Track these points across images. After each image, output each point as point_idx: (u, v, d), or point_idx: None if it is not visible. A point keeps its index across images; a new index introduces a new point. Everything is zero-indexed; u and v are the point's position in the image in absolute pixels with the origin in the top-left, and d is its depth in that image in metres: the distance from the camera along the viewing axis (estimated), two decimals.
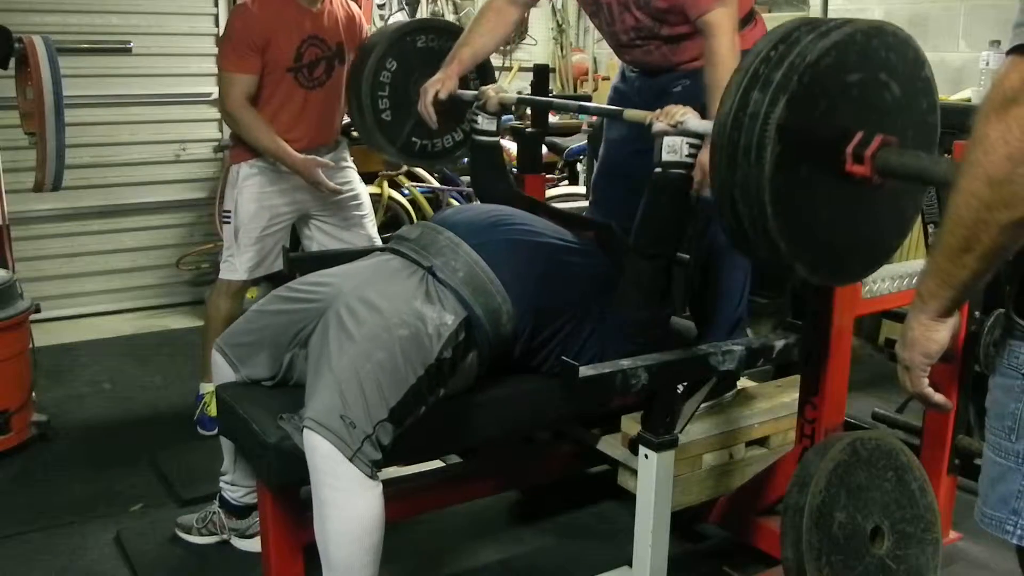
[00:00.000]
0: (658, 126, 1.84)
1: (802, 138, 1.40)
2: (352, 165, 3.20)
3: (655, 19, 2.23)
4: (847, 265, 1.63)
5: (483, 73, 2.73)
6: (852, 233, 1.55)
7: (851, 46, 1.45)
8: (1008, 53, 1.01)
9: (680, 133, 1.80)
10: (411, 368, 1.77)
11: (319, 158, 2.94)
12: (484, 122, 2.38)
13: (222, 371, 2.05)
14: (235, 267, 3.00)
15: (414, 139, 2.70)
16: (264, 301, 2.07)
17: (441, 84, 2.40)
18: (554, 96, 4.86)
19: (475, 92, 2.41)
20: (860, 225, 1.55)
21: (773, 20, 2.43)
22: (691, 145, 1.80)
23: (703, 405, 2.37)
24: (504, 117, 4.38)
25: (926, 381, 1.24)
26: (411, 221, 4.43)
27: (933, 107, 1.59)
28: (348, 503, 1.70)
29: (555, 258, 2.03)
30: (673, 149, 1.81)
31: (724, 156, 1.44)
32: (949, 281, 1.12)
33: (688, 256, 1.96)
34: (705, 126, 1.77)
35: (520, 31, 5.30)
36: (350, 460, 1.68)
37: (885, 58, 1.49)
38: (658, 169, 1.84)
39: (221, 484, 2.30)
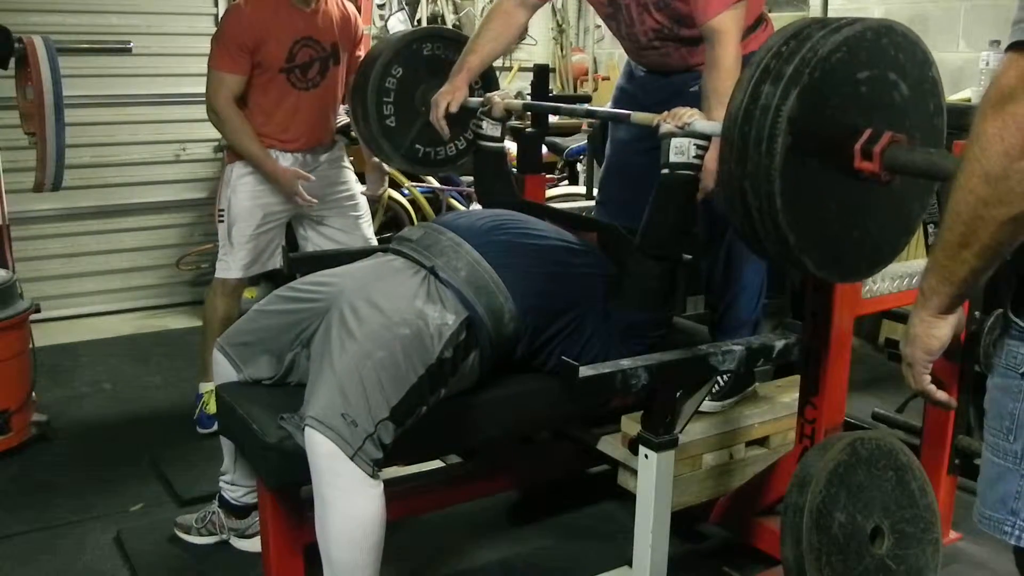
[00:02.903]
0: (665, 127, 1.85)
1: (812, 132, 1.41)
2: (349, 165, 3.20)
3: (675, 21, 2.23)
4: (853, 262, 1.64)
5: (487, 79, 2.73)
6: (859, 230, 1.56)
7: (862, 44, 1.45)
8: (1006, 50, 1.01)
9: (688, 134, 1.81)
10: (412, 367, 1.77)
11: (300, 171, 2.94)
12: (489, 128, 2.38)
13: (223, 370, 2.05)
14: (229, 266, 3.01)
15: (417, 146, 2.70)
16: (265, 301, 2.07)
17: (451, 96, 2.40)
18: (556, 97, 4.87)
19: (480, 99, 2.41)
20: (867, 223, 1.56)
21: (773, 20, 2.43)
22: (698, 147, 1.81)
23: (725, 403, 2.38)
24: None
25: (928, 378, 1.25)
26: (411, 221, 4.43)
27: (940, 109, 1.60)
28: (349, 502, 1.70)
29: (557, 259, 2.03)
30: (680, 150, 1.81)
31: (734, 149, 1.45)
32: (949, 278, 1.13)
33: (691, 256, 1.96)
34: (713, 127, 1.77)
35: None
36: (351, 459, 1.68)
37: (894, 57, 1.50)
38: (665, 170, 1.84)
39: (221, 484, 2.30)
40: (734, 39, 2.05)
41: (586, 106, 2.61)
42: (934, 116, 1.59)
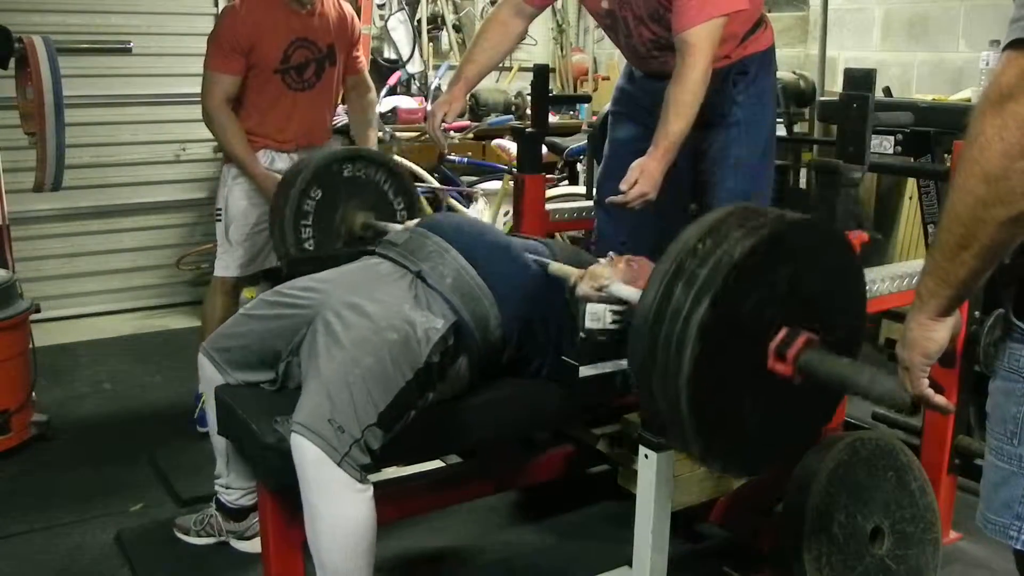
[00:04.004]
0: (582, 290, 1.81)
1: (724, 336, 1.36)
2: None
3: (670, 31, 2.23)
4: (764, 457, 1.59)
5: (409, 201, 2.67)
6: (771, 427, 1.50)
7: (782, 242, 1.41)
8: (1004, 49, 1.00)
9: (605, 300, 1.78)
10: (400, 372, 1.77)
11: (279, 178, 2.92)
12: None
13: (208, 374, 2.05)
14: (227, 264, 3.03)
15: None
16: (251, 305, 2.07)
17: (448, 107, 2.38)
18: (556, 97, 4.85)
19: (398, 227, 2.34)
20: (779, 417, 1.51)
21: (773, 20, 2.43)
22: (615, 312, 1.77)
23: None
24: (504, 117, 4.40)
25: (926, 382, 1.23)
26: None
27: (861, 297, 1.56)
28: (337, 508, 1.70)
29: (540, 268, 2.03)
30: (597, 317, 1.78)
31: (644, 346, 1.40)
32: (947, 279, 1.11)
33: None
34: (630, 293, 1.73)
35: None
36: (338, 465, 1.68)
37: (816, 252, 1.47)
38: (582, 334, 1.80)
39: (216, 487, 2.30)
40: (704, 53, 2.03)
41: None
42: (855, 311, 1.55)
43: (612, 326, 1.77)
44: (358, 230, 2.56)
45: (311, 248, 2.55)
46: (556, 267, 1.98)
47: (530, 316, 1.96)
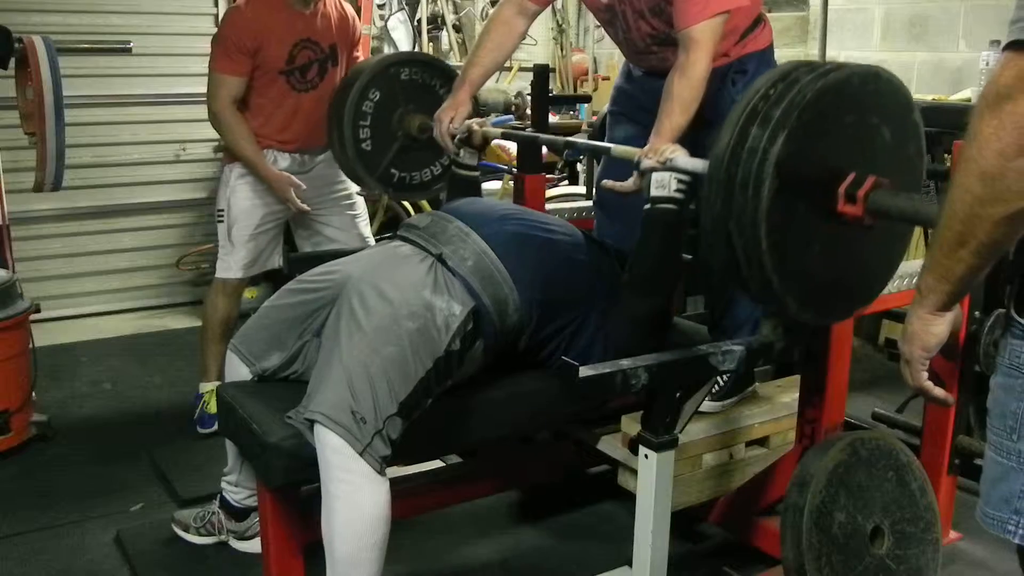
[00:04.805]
0: (646, 163, 1.85)
1: (798, 175, 1.42)
2: None
3: (670, 25, 2.23)
4: (833, 304, 1.65)
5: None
6: (840, 272, 1.56)
7: (847, 89, 1.47)
8: (1004, 49, 1.02)
9: (669, 170, 1.81)
10: (420, 362, 1.78)
11: (292, 177, 2.94)
12: (467, 156, 2.35)
13: (237, 370, 2.05)
14: (229, 265, 3.02)
15: (393, 170, 2.66)
16: (275, 297, 2.08)
17: (454, 111, 2.38)
18: (555, 98, 4.87)
19: (459, 126, 2.37)
20: (847, 265, 1.56)
21: (773, 20, 2.43)
22: (679, 180, 1.81)
23: (725, 403, 2.38)
24: (504, 117, 4.41)
25: (925, 375, 1.26)
26: None
27: (920, 152, 1.61)
28: (357, 497, 1.72)
29: (563, 253, 2.04)
30: (662, 184, 1.82)
31: (720, 190, 1.46)
32: (946, 276, 1.14)
33: (691, 256, 1.96)
34: (694, 163, 1.78)
35: None
36: (360, 455, 1.70)
37: (878, 102, 1.52)
38: (647, 205, 1.85)
39: (223, 484, 2.30)
40: (707, 50, 2.05)
41: (566, 138, 2.61)
42: (915, 160, 1.59)
43: (677, 194, 1.81)
44: (415, 131, 2.58)
45: (368, 148, 2.61)
46: (619, 149, 2.02)
47: (551, 303, 1.97)
